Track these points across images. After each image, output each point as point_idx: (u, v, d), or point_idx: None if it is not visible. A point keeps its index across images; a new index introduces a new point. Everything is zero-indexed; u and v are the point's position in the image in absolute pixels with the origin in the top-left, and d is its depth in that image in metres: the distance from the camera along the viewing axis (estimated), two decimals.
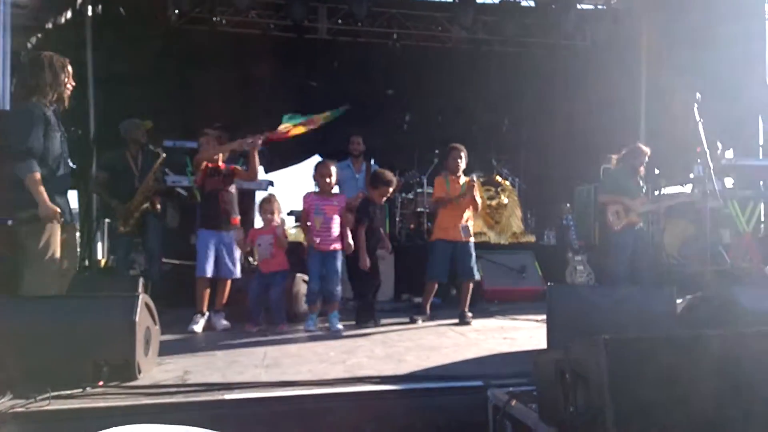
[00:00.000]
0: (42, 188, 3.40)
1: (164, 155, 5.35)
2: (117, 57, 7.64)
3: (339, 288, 4.78)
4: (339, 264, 4.79)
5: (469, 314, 5.11)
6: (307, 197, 4.82)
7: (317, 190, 4.85)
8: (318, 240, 4.69)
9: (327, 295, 4.72)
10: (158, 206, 5.27)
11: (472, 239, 5.32)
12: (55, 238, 3.50)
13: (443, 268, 5.16)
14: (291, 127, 4.86)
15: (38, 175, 3.39)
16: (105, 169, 5.58)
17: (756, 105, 7.66)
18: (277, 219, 5.00)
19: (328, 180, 4.79)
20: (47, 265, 3.46)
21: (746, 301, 2.89)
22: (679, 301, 3.46)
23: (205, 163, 4.84)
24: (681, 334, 2.46)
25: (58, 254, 3.51)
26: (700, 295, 3.35)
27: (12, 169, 3.42)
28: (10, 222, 3.43)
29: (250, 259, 6.44)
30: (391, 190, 5.28)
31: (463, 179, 5.33)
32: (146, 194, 5.27)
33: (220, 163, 4.90)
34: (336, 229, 4.76)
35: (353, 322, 4.91)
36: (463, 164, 5.31)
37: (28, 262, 3.48)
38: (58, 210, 3.47)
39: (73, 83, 3.68)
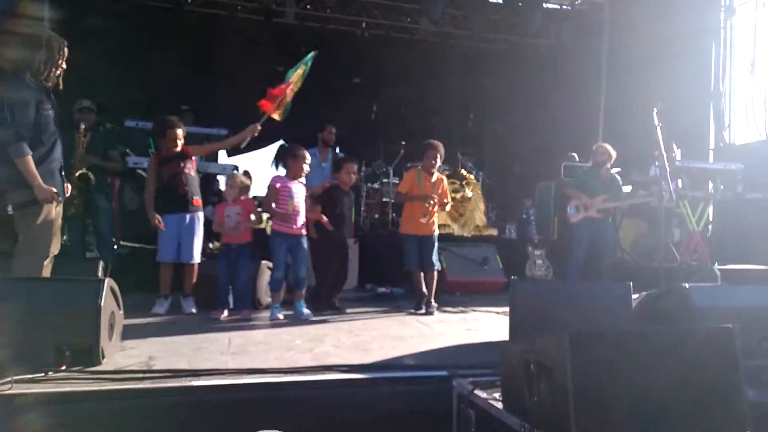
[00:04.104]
0: (35, 170, 3.32)
1: (83, 126, 5.20)
2: (77, 35, 7.32)
3: (305, 274, 4.77)
4: (305, 248, 4.77)
5: (434, 305, 5.21)
6: (280, 180, 4.77)
7: (289, 173, 4.79)
8: (288, 224, 4.67)
9: (294, 281, 4.70)
10: (92, 178, 5.10)
11: (436, 232, 5.40)
12: (48, 221, 3.44)
13: (416, 257, 5.29)
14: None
15: (30, 158, 3.31)
16: None
17: (704, 114, 8.02)
18: (233, 193, 4.94)
19: (304, 164, 4.77)
20: (40, 250, 3.42)
21: (698, 297, 3.05)
22: (634, 296, 3.61)
23: (154, 155, 4.92)
24: (640, 329, 2.58)
25: (51, 239, 3.46)
26: (655, 292, 3.50)
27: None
28: (10, 209, 3.32)
29: (211, 245, 6.37)
30: (355, 167, 5.31)
31: (435, 177, 5.39)
32: (76, 169, 5.10)
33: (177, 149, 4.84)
34: (304, 214, 4.78)
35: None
36: (438, 163, 5.38)
37: (20, 248, 3.42)
38: (54, 190, 3.41)
39: (65, 66, 3.58)
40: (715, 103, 7.99)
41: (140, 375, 2.72)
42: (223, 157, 8.92)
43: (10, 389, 2.41)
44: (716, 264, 5.78)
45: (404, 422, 2.76)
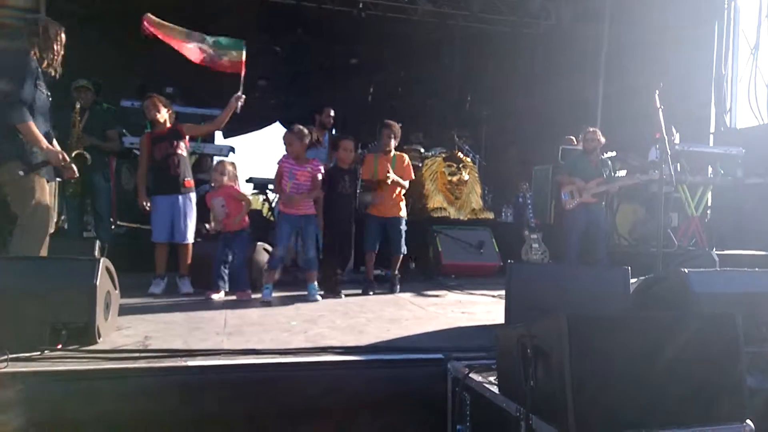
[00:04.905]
0: (39, 134, 3.34)
1: (78, 105, 5.18)
2: (75, 14, 7.23)
3: (314, 254, 4.76)
4: (314, 228, 4.76)
5: (398, 275, 5.42)
6: (282, 161, 4.77)
7: (289, 153, 4.77)
8: (290, 206, 4.66)
9: (304, 263, 4.71)
10: (88, 157, 5.08)
11: (402, 214, 5.47)
12: (45, 199, 3.43)
13: (375, 239, 5.42)
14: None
15: (32, 123, 3.32)
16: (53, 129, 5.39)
17: (705, 97, 7.97)
18: (222, 180, 4.87)
19: (299, 141, 4.72)
20: (38, 229, 3.41)
21: (696, 282, 3.03)
22: (632, 281, 3.60)
23: (146, 134, 4.87)
24: (639, 313, 2.57)
25: (49, 218, 3.45)
26: (653, 277, 3.49)
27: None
28: (21, 173, 3.28)
29: (207, 225, 6.34)
30: (351, 144, 5.30)
31: (394, 156, 5.43)
32: (73, 148, 5.06)
33: (166, 126, 4.82)
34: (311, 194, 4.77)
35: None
36: (393, 142, 5.42)
37: (18, 227, 3.42)
38: (60, 150, 3.42)
39: (63, 52, 3.58)
40: (717, 87, 7.92)
41: (136, 354, 2.71)
42: (219, 138, 8.88)
43: (5, 368, 2.39)
44: (715, 249, 5.78)
45: (399, 405, 2.75)
